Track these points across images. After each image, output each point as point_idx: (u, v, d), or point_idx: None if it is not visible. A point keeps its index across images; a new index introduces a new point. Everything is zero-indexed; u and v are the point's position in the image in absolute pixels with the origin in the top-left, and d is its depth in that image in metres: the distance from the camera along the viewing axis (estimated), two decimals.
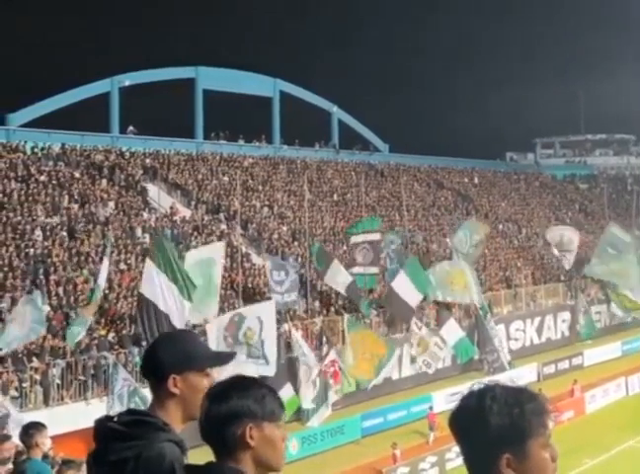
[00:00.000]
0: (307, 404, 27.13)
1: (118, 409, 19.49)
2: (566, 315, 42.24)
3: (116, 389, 20.60)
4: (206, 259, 25.78)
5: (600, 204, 59.74)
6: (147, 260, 24.28)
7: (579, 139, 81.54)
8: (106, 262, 24.62)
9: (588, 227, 55.91)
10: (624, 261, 41.70)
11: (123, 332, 25.61)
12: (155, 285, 23.08)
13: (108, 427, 2.50)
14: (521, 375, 34.06)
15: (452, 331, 33.23)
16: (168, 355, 2.60)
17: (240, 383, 2.32)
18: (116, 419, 2.53)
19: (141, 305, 23.60)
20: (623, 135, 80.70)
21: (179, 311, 23.03)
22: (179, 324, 22.66)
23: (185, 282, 23.16)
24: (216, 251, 27.49)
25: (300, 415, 27.12)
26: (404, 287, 31.37)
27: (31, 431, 7.04)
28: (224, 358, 2.92)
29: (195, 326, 25.36)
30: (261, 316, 25.10)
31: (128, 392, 20.36)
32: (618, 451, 26.14)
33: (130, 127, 44.85)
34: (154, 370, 2.62)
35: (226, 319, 25.11)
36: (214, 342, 23.80)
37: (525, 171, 69.47)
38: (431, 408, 28.42)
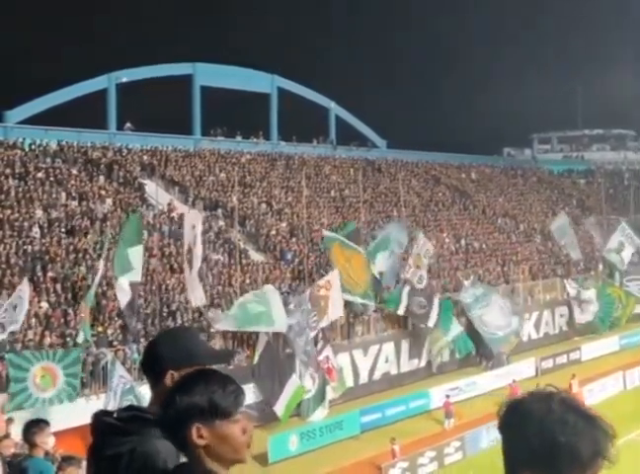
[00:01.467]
0: (307, 397, 27.18)
1: (111, 406, 19.53)
2: (564, 310, 42.31)
3: (112, 386, 20.61)
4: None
5: (598, 200, 59.77)
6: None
7: (576, 134, 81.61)
8: (101, 262, 24.68)
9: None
10: None
11: (123, 328, 25.61)
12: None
13: (105, 421, 2.51)
14: (520, 370, 34.18)
15: (452, 325, 33.50)
16: (167, 350, 2.60)
17: (188, 380, 2.26)
18: (115, 414, 2.54)
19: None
20: (620, 130, 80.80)
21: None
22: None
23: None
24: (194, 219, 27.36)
25: (300, 410, 27.16)
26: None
27: (33, 429, 7.01)
28: (224, 357, 2.93)
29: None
30: None
31: (123, 390, 20.35)
32: (617, 445, 26.15)
33: (127, 124, 44.81)
34: (153, 365, 2.63)
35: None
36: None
37: (523, 166, 69.50)
38: (447, 396, 29.10)
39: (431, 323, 32.72)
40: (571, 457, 1.85)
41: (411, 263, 34.37)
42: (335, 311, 28.87)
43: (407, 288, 33.00)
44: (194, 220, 26.91)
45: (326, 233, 32.55)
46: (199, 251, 26.01)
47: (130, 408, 2.59)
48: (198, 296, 26.14)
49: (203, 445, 2.17)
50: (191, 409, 2.18)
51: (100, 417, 2.55)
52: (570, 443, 1.84)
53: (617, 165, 75.24)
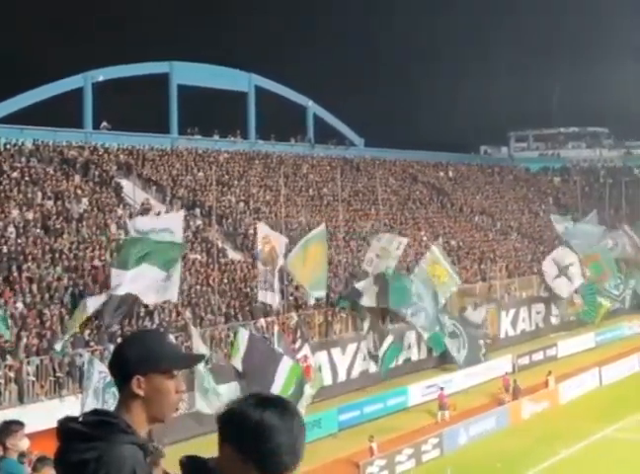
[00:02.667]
0: (285, 396, 27.17)
1: (93, 405, 19.44)
2: (540, 307, 42.65)
3: (92, 384, 20.52)
4: (163, 229, 25.15)
5: (574, 197, 60.30)
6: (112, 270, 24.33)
7: (552, 133, 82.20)
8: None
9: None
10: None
11: (100, 329, 25.47)
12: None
13: (70, 427, 2.46)
14: (497, 367, 34.42)
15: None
16: (134, 354, 2.55)
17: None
18: (80, 419, 2.49)
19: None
20: (596, 128, 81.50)
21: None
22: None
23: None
24: (174, 220, 27.05)
25: None
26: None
27: (4, 431, 6.93)
28: (192, 361, 2.91)
29: None
30: None
31: (104, 384, 20.29)
32: (593, 441, 26.49)
33: (104, 123, 44.55)
34: (120, 370, 2.58)
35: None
36: None
37: (500, 164, 69.96)
38: (442, 389, 29.59)
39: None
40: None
41: (373, 255, 34.11)
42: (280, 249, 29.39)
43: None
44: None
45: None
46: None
47: (96, 412, 2.53)
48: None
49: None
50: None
51: (65, 422, 2.50)
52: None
53: (593, 163, 75.94)
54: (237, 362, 25.31)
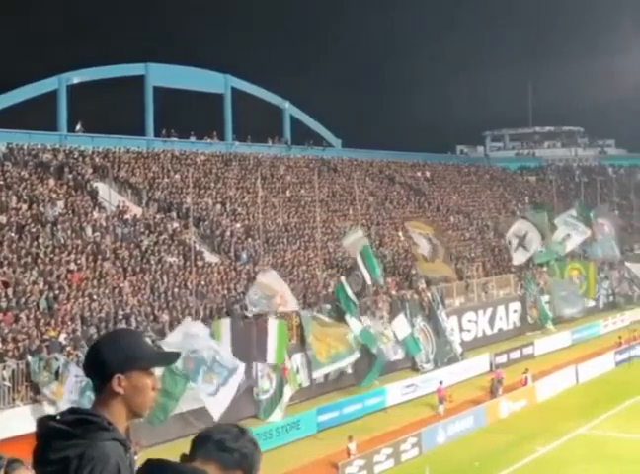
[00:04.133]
0: (264, 398, 27.19)
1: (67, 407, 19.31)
2: (517, 305, 42.94)
3: (68, 388, 20.39)
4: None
5: (549, 196, 60.74)
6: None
7: (528, 132, 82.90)
8: None
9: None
10: None
11: (76, 333, 25.32)
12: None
13: (50, 425, 2.46)
14: (474, 366, 34.60)
15: (402, 326, 33.74)
16: (112, 354, 2.57)
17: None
18: (58, 417, 2.49)
19: None
20: (571, 128, 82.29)
21: None
22: None
23: None
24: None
25: (257, 410, 27.17)
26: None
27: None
28: (169, 358, 2.92)
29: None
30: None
31: (80, 389, 20.16)
32: (570, 438, 26.69)
33: (78, 126, 44.20)
34: (98, 370, 2.59)
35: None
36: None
37: (476, 164, 70.29)
38: (441, 382, 30.32)
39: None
40: None
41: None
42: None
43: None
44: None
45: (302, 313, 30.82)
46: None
47: (74, 411, 2.53)
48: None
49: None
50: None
51: (44, 421, 2.50)
52: None
53: (568, 162, 76.60)
54: (226, 349, 25.23)
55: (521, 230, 43.35)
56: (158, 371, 2.84)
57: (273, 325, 26.90)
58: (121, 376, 2.54)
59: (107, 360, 2.57)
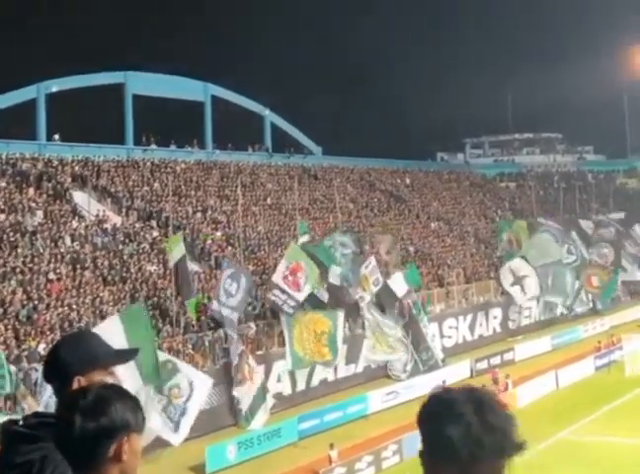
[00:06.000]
0: (245, 407, 27.11)
1: None
2: (497, 311, 43.15)
3: (44, 397, 20.26)
4: None
5: (529, 202, 61.16)
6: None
7: (507, 139, 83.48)
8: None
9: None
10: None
11: (55, 343, 25.14)
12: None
13: (12, 429, 2.48)
14: (455, 372, 34.70)
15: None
16: (71, 356, 2.59)
17: (113, 393, 2.24)
18: (21, 422, 2.52)
19: None
20: (549, 134, 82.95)
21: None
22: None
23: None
24: None
25: (237, 419, 27.10)
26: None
27: None
28: (128, 356, 2.94)
29: None
30: (194, 383, 23.24)
31: (55, 403, 19.99)
32: (550, 443, 26.78)
33: (56, 136, 43.94)
34: (58, 373, 2.61)
35: (161, 357, 23.05)
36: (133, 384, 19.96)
37: (456, 170, 70.66)
38: (444, 382, 30.06)
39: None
40: (447, 451, 1.89)
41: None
42: None
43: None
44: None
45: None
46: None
47: (37, 415, 2.57)
48: None
49: (122, 460, 2.15)
50: (121, 421, 2.16)
51: (7, 425, 2.52)
52: (452, 437, 1.88)
53: (547, 168, 77.20)
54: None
55: (520, 270, 43.00)
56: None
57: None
58: (81, 378, 2.55)
59: (66, 363, 2.59)
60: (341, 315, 30.82)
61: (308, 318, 30.06)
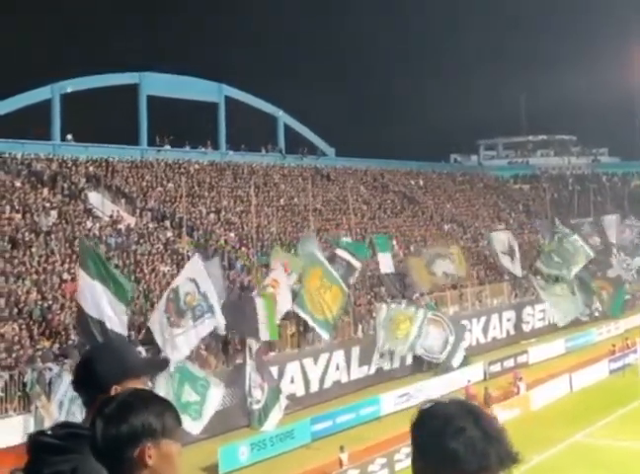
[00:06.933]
0: (257, 407, 27.08)
1: (57, 416, 19.35)
2: (511, 314, 42.97)
3: (57, 396, 20.35)
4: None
5: (543, 204, 60.89)
6: (80, 270, 23.75)
7: (521, 141, 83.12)
8: None
9: (531, 227, 57.01)
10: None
11: (68, 342, 25.25)
12: (88, 295, 22.69)
13: (41, 440, 2.46)
14: (468, 374, 34.55)
15: None
16: (107, 366, 2.59)
17: (137, 399, 2.24)
18: (49, 432, 2.50)
19: (79, 317, 23.34)
20: (563, 136, 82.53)
21: (117, 316, 22.65)
22: (119, 329, 22.42)
23: (116, 285, 22.68)
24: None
25: (250, 420, 27.07)
26: None
27: None
28: (160, 365, 2.94)
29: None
30: (192, 276, 24.06)
31: (72, 397, 20.10)
32: (564, 446, 26.67)
33: (68, 136, 44.13)
34: (94, 383, 2.60)
35: (162, 304, 24.23)
36: (160, 335, 23.51)
37: (469, 172, 70.45)
38: (469, 381, 31.88)
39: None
40: (453, 465, 1.91)
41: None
42: (284, 305, 29.01)
43: None
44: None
45: (314, 253, 30.98)
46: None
47: (66, 425, 2.54)
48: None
49: (150, 466, 2.16)
50: (144, 425, 2.16)
51: (35, 436, 2.50)
52: (457, 451, 1.91)
53: (561, 170, 76.82)
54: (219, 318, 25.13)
55: (511, 241, 43.91)
56: None
57: (259, 302, 26.64)
58: (119, 388, 2.55)
59: (103, 373, 2.59)
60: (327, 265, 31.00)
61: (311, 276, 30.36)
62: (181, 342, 23.62)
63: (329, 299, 30.49)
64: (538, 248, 46.72)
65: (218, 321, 23.94)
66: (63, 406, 20.26)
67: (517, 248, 44.45)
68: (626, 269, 50.66)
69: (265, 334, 26.44)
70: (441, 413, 1.98)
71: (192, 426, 22.53)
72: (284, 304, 28.95)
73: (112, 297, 22.45)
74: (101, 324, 22.34)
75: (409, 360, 35.30)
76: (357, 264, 33.52)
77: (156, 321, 24.12)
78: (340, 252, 33.53)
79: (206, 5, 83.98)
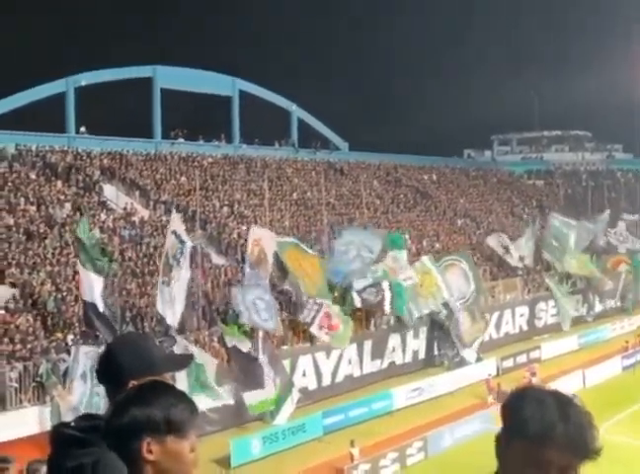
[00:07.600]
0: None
1: (82, 388, 19.65)
2: (524, 309, 42.83)
3: (78, 369, 20.76)
4: None
5: (557, 200, 60.63)
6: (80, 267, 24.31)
7: (535, 136, 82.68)
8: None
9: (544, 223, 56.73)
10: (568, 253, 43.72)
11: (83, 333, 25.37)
12: (84, 282, 23.52)
13: (64, 433, 2.47)
14: (481, 370, 34.52)
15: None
16: (127, 360, 2.59)
17: (148, 392, 2.17)
18: (72, 424, 2.51)
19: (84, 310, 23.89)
20: (578, 132, 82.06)
21: (90, 288, 23.28)
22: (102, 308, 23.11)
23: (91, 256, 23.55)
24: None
25: (263, 413, 27.14)
26: None
27: None
28: (183, 362, 2.93)
29: None
30: (174, 228, 26.54)
31: (91, 366, 20.46)
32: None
33: (82, 129, 44.30)
34: (113, 376, 2.60)
35: (160, 272, 26.08)
36: (161, 304, 25.41)
37: (483, 167, 70.19)
38: (489, 375, 32.69)
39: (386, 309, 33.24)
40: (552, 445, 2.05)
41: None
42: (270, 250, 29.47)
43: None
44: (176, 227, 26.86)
45: (279, 240, 31.44)
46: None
47: (88, 417, 2.55)
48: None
49: (152, 461, 2.11)
50: (145, 421, 2.10)
51: (58, 428, 2.52)
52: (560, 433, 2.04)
53: (575, 166, 76.36)
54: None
55: (505, 241, 45.22)
56: None
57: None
58: (136, 382, 2.52)
59: (122, 366, 2.58)
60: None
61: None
62: (175, 291, 25.01)
63: (310, 274, 30.73)
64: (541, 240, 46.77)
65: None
66: (85, 377, 20.63)
67: (509, 243, 45.54)
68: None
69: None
70: (531, 392, 2.15)
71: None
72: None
73: (94, 276, 23.14)
74: (94, 306, 22.94)
75: (421, 355, 35.32)
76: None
77: (159, 299, 25.45)
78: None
79: (206, 5, 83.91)
